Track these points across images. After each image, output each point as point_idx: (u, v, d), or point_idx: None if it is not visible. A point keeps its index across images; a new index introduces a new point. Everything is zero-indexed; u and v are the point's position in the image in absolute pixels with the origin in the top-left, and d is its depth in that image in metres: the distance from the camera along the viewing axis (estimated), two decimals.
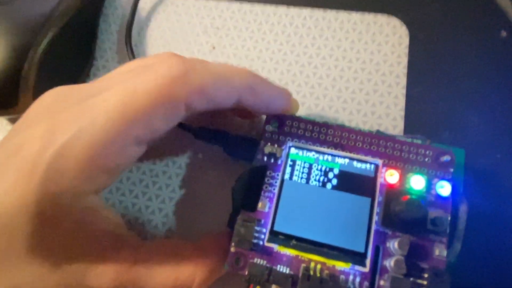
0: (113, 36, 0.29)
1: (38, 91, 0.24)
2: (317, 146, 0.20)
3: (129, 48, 0.27)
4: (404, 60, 0.26)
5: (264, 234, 0.18)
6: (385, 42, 0.27)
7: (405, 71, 0.26)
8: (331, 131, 0.20)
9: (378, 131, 0.21)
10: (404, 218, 0.17)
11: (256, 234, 0.18)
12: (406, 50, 0.26)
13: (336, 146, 0.20)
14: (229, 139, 0.23)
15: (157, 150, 0.25)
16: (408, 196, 0.17)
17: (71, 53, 0.27)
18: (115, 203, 0.24)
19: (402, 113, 0.25)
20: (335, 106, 0.25)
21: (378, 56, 0.26)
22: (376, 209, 0.18)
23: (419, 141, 0.21)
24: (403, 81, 0.25)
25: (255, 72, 0.20)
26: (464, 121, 0.24)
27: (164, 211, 0.24)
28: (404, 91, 0.25)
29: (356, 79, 0.26)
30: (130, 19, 0.28)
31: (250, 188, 0.19)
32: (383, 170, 0.19)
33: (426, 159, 0.19)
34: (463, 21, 0.26)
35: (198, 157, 0.25)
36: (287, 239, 0.18)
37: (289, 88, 0.26)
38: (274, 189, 0.19)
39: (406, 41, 0.26)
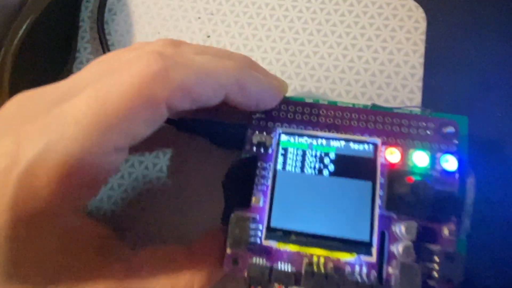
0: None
1: (14, 89, 0.22)
2: (309, 130, 0.18)
3: (103, 38, 0.25)
4: (421, 48, 0.23)
5: (261, 231, 0.17)
6: (399, 27, 0.24)
7: (422, 60, 0.23)
8: (322, 111, 0.18)
9: (373, 104, 0.19)
10: (410, 202, 0.16)
11: (252, 232, 0.17)
12: (423, 37, 0.24)
13: (330, 127, 0.18)
14: (215, 127, 0.21)
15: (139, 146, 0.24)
16: (413, 178, 0.16)
17: (51, 44, 0.25)
18: (103, 198, 0.23)
19: (418, 110, 0.23)
20: (344, 99, 0.23)
21: (392, 43, 0.24)
22: (378, 192, 0.17)
23: (418, 112, 0.19)
24: (420, 72, 0.23)
25: (250, 60, 0.18)
26: (488, 115, 0.22)
27: (155, 208, 0.23)
28: (420, 84, 0.23)
29: (368, 70, 0.23)
30: (100, 4, 0.25)
31: (242, 182, 0.18)
32: (383, 149, 0.17)
33: (428, 132, 0.18)
34: (487, 3, 0.24)
35: (183, 150, 0.23)
36: (285, 235, 0.17)
37: (293, 82, 0.24)
38: (267, 182, 0.18)
39: (423, 26, 0.24)
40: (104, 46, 0.25)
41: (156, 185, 0.23)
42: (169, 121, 0.23)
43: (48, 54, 0.25)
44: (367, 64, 0.24)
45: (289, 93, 0.23)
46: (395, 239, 0.16)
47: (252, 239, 0.17)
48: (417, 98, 0.23)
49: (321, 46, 0.24)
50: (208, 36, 0.25)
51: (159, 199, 0.22)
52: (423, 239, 0.16)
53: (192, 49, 0.18)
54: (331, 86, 0.24)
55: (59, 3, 0.25)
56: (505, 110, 0.22)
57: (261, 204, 0.17)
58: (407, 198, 0.16)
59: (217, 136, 0.21)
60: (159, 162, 0.23)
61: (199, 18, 0.26)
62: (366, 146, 0.18)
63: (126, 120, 0.14)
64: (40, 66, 0.24)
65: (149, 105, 0.15)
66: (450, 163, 0.17)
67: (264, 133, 0.18)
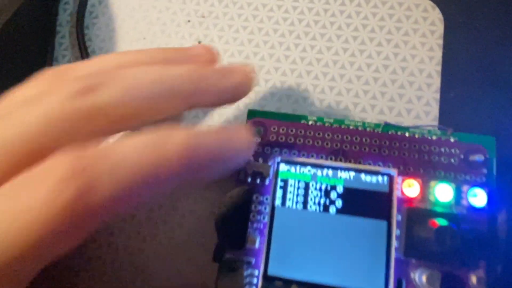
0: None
1: None
2: (312, 157, 0.16)
3: (82, 45, 0.22)
4: (438, 54, 0.21)
5: (257, 277, 0.14)
6: (413, 30, 0.21)
7: (439, 68, 0.21)
8: (328, 135, 0.16)
9: (386, 124, 0.17)
10: (433, 249, 0.13)
11: (247, 280, 0.14)
12: (440, 41, 0.21)
13: (336, 154, 0.16)
14: None
15: None
16: (437, 223, 0.13)
17: (24, 52, 0.22)
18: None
19: (437, 129, 0.20)
20: (351, 113, 0.21)
21: (405, 49, 0.21)
22: (394, 233, 0.14)
23: (437, 132, 0.16)
24: (437, 82, 0.20)
25: (198, 72, 0.14)
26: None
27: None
28: (437, 95, 0.20)
29: (378, 80, 0.21)
30: (80, 6, 0.23)
31: (236, 218, 0.15)
32: (399, 180, 0.15)
33: (452, 160, 0.15)
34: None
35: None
36: (285, 285, 0.14)
37: (294, 94, 0.21)
38: (264, 218, 0.15)
39: (440, 28, 0.21)
40: (84, 54, 0.23)
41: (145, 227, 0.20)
42: None
43: (21, 62, 0.22)
44: (377, 72, 0.21)
45: (289, 109, 0.21)
46: None
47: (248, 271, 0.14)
48: (434, 112, 0.20)
49: (325, 53, 0.22)
50: (199, 42, 0.23)
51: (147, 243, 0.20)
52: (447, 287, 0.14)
53: (119, 84, 0.12)
54: (336, 98, 0.21)
55: (33, 5, 0.22)
56: None
57: (257, 245, 0.15)
58: (430, 245, 0.13)
59: None
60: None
61: (189, 21, 0.23)
62: (380, 178, 0.15)
63: (31, 258, 0.11)
64: (11, 75, 0.22)
65: (58, 240, 0.11)
66: (478, 197, 0.14)
67: (260, 160, 0.16)
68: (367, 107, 0.21)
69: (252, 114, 0.17)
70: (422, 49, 0.21)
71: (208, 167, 0.12)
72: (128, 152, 0.11)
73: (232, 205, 0.16)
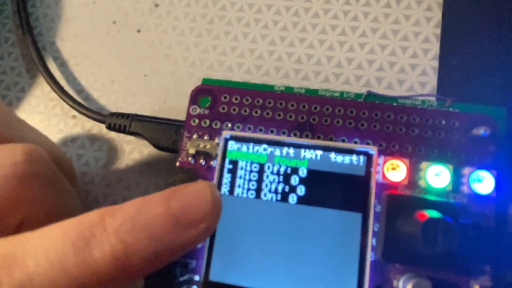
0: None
1: None
2: (272, 133, 0.12)
3: (23, 11, 0.19)
4: (437, 15, 0.17)
5: (197, 284, 0.11)
6: None
7: (438, 31, 0.17)
8: (292, 105, 0.12)
9: (369, 93, 0.13)
10: (421, 249, 0.10)
11: (185, 287, 0.11)
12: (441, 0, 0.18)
13: (302, 128, 0.12)
14: (152, 127, 0.16)
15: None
16: (427, 215, 0.10)
17: None
18: None
19: (433, 100, 0.16)
20: (332, 86, 0.17)
21: (398, 10, 0.18)
22: (371, 228, 0.11)
23: (433, 103, 0.13)
24: (435, 47, 0.17)
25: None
26: None
27: None
28: (436, 63, 0.17)
29: (364, 46, 0.17)
30: None
31: None
32: (380, 161, 0.12)
33: (451, 135, 0.12)
34: None
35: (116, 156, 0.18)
36: None
37: (266, 64, 0.18)
38: None
39: None
40: (24, 23, 0.19)
41: None
42: (95, 118, 0.17)
43: None
44: (363, 37, 0.18)
45: (255, 79, 0.18)
46: None
47: (185, 277, 0.11)
48: (432, 82, 0.17)
49: (302, 15, 0.18)
50: (156, 5, 0.19)
51: None
52: None
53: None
54: (315, 68, 0.18)
55: None
56: None
57: (198, 246, 0.12)
58: (416, 244, 0.10)
59: (157, 138, 0.16)
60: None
61: None
62: (354, 158, 0.12)
63: None
64: None
65: None
66: (483, 182, 0.11)
67: (207, 137, 0.12)
68: (351, 78, 0.17)
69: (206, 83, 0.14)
70: (418, 9, 0.18)
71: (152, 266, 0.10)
72: (42, 263, 0.09)
73: None
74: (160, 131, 0.16)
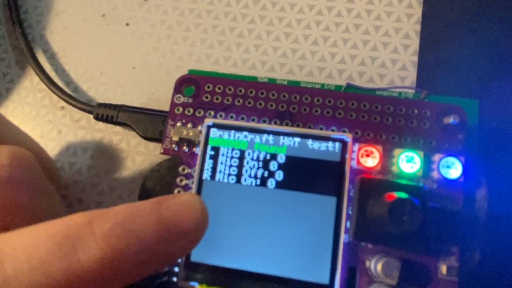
0: None
1: None
2: (253, 121, 0.13)
3: (12, 3, 0.20)
4: (417, 12, 0.18)
5: (179, 266, 0.12)
6: None
7: (418, 27, 0.18)
8: (273, 95, 0.13)
9: (348, 85, 0.14)
10: (389, 229, 0.10)
11: (167, 269, 0.12)
12: None
13: (282, 117, 0.13)
14: (138, 117, 0.16)
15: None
16: (395, 195, 0.10)
17: None
18: None
19: (410, 92, 0.17)
20: (315, 80, 0.18)
21: (380, 6, 0.18)
22: (345, 210, 0.12)
23: (409, 95, 0.14)
24: (415, 43, 0.18)
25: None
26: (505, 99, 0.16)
27: None
28: (415, 58, 0.17)
29: (347, 41, 0.18)
30: None
31: (161, 194, 0.13)
32: (355, 148, 0.12)
33: (422, 124, 0.12)
34: None
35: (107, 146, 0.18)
36: (211, 274, 0.11)
37: (252, 57, 0.18)
38: None
39: None
40: (14, 15, 0.20)
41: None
42: (84, 109, 0.18)
43: None
44: (346, 33, 0.18)
45: (241, 72, 0.18)
46: (369, 279, 0.11)
47: (164, 278, 0.12)
48: (411, 77, 0.18)
49: (288, 11, 0.19)
50: (145, 0, 0.20)
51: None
52: (410, 281, 0.11)
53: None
54: (299, 62, 0.18)
55: None
56: None
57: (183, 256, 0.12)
58: (384, 224, 0.10)
59: (144, 128, 0.16)
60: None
61: None
62: (330, 144, 0.12)
63: None
64: None
65: None
66: (452, 168, 0.12)
67: (190, 125, 0.13)
68: (334, 73, 0.18)
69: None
70: (399, 6, 0.18)
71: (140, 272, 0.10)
72: (22, 268, 0.09)
73: (158, 179, 0.13)
74: (147, 121, 0.16)
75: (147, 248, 0.09)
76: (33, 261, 0.09)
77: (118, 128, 0.18)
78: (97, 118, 0.17)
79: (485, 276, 0.12)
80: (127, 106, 0.17)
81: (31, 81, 0.20)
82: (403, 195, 0.10)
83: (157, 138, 0.16)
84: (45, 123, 0.19)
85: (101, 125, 0.18)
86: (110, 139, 0.18)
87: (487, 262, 0.12)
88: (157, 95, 0.19)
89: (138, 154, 0.18)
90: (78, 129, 0.19)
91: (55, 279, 0.09)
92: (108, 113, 0.17)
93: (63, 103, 0.19)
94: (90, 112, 0.18)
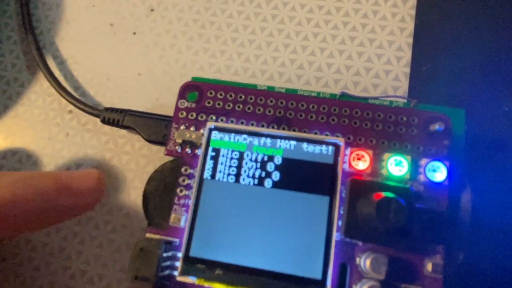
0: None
1: None
2: (251, 125, 0.14)
3: (26, 13, 0.21)
4: (410, 26, 0.19)
5: (179, 260, 0.12)
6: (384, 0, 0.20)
7: (410, 40, 0.19)
8: (271, 101, 0.14)
9: (343, 93, 0.15)
10: (376, 227, 0.11)
11: (168, 263, 0.12)
12: (413, 12, 0.19)
13: (279, 122, 0.14)
14: (144, 121, 0.17)
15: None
16: (382, 194, 0.11)
17: None
18: None
19: (401, 101, 0.18)
20: (312, 88, 0.19)
21: (374, 20, 0.19)
22: (337, 211, 0.12)
23: (399, 103, 0.15)
24: (408, 55, 0.19)
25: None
26: (490, 110, 0.17)
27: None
28: (407, 70, 0.18)
29: (343, 53, 0.19)
30: None
31: (164, 194, 0.13)
32: (347, 152, 0.13)
33: (410, 130, 0.13)
34: None
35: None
36: (209, 269, 0.12)
37: (252, 67, 0.19)
38: (191, 194, 0.13)
39: None
40: (26, 23, 0.21)
41: None
42: (91, 113, 0.18)
43: None
44: (342, 45, 0.19)
45: (242, 80, 0.19)
46: (359, 275, 0.12)
47: (166, 272, 0.12)
48: (403, 87, 0.18)
49: (287, 23, 0.20)
50: (152, 10, 0.21)
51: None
52: (397, 275, 0.12)
53: None
54: (298, 72, 0.19)
55: None
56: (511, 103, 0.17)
57: (182, 224, 0.13)
58: (372, 221, 0.11)
59: (149, 132, 0.17)
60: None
61: None
62: (324, 148, 0.13)
63: None
64: None
65: None
66: (438, 172, 0.12)
67: (193, 128, 0.14)
68: (330, 82, 0.19)
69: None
70: (392, 20, 0.19)
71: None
72: None
73: (162, 179, 0.14)
74: (151, 125, 0.17)
75: (44, 199, 0.13)
76: None
77: (123, 132, 0.19)
78: (103, 121, 0.18)
79: (469, 275, 0.13)
80: (133, 111, 0.18)
81: (40, 86, 0.21)
82: (390, 194, 0.11)
83: (161, 141, 0.16)
84: (53, 126, 0.20)
85: (107, 128, 0.19)
86: (116, 142, 0.19)
87: (471, 262, 0.13)
88: (161, 101, 0.20)
89: (142, 157, 0.19)
90: (85, 132, 0.20)
91: None
92: (114, 117, 0.18)
93: (71, 107, 0.20)
94: (97, 116, 0.18)
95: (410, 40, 0.19)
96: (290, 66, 0.19)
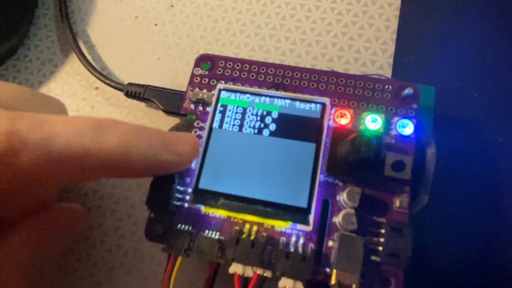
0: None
1: None
2: (254, 88, 0.16)
3: (63, 4, 0.24)
4: (394, 24, 0.22)
5: (189, 194, 0.15)
6: (372, 2, 0.23)
7: (394, 36, 0.22)
8: (271, 70, 0.17)
9: (332, 71, 0.18)
10: (352, 161, 0.14)
11: (180, 196, 0.15)
12: (397, 13, 0.22)
13: (277, 87, 0.16)
14: (164, 94, 0.20)
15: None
16: (355, 133, 0.14)
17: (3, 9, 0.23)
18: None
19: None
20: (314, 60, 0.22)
21: (363, 19, 0.22)
22: (321, 157, 0.15)
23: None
24: (391, 48, 0.22)
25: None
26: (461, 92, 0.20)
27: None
28: (391, 60, 0.21)
29: (336, 45, 0.22)
30: None
31: None
32: (332, 110, 0.16)
33: (385, 95, 0.16)
34: None
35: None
36: (214, 198, 0.15)
37: (251, 42, 0.22)
38: (202, 143, 0.16)
39: (397, 1, 0.22)
40: (63, 13, 0.24)
41: None
42: (115, 87, 0.21)
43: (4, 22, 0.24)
44: (335, 38, 0.22)
45: (246, 55, 0.22)
46: (339, 209, 0.14)
47: (179, 203, 0.15)
48: (387, 74, 0.21)
49: (288, 19, 0.23)
50: (172, 6, 0.24)
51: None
52: (371, 209, 0.14)
53: None
54: (290, 47, 0.22)
55: None
56: (480, 90, 0.20)
57: (193, 165, 0.15)
58: (348, 156, 0.14)
59: (166, 103, 0.20)
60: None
61: None
62: (313, 106, 0.16)
63: None
64: None
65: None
66: (406, 128, 0.15)
67: (205, 90, 0.17)
68: (323, 69, 0.22)
69: None
70: (379, 19, 0.23)
71: (144, 166, 0.13)
72: (65, 130, 0.12)
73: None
74: (168, 97, 0.20)
75: (151, 153, 0.13)
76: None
77: (142, 106, 0.22)
78: (127, 94, 0.21)
79: (432, 218, 0.15)
80: (152, 86, 0.21)
81: (71, 66, 0.24)
82: (363, 133, 0.13)
83: (176, 111, 0.19)
84: (81, 100, 0.23)
85: (128, 103, 0.22)
86: (135, 114, 0.22)
87: (435, 204, 0.15)
88: (176, 81, 0.22)
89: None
90: (109, 105, 0.22)
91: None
92: (136, 90, 0.21)
93: (97, 84, 0.23)
94: (121, 90, 0.21)
95: (394, 36, 0.22)
96: (284, 42, 0.22)
